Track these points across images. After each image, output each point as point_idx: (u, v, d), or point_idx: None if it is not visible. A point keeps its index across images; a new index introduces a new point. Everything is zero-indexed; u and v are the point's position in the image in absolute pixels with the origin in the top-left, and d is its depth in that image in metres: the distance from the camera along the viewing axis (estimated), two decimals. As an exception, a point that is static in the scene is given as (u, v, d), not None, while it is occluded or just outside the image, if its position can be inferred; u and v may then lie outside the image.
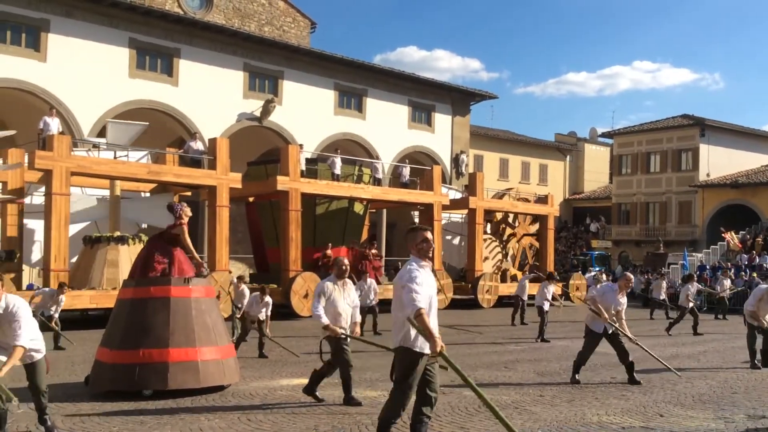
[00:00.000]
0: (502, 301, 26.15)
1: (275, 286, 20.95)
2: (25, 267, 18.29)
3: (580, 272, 31.37)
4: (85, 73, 24.37)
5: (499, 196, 30.21)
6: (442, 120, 36.10)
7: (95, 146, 19.51)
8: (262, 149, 29.42)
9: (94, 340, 8.89)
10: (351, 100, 32.69)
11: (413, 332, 5.03)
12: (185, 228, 8.89)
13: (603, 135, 47.62)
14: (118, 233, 18.24)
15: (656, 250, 37.29)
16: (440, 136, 35.94)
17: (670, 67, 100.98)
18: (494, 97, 38.53)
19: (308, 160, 24.06)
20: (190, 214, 9.02)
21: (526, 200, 30.03)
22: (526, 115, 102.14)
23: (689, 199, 40.09)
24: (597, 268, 33.99)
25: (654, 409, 7.58)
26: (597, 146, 51.83)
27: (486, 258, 27.24)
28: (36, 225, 18.10)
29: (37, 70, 23.60)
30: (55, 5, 24.00)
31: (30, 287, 17.29)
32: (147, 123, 21.24)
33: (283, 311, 20.53)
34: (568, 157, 49.28)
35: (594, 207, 46.68)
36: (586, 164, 50.37)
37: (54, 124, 19.29)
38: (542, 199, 30.09)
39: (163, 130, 26.74)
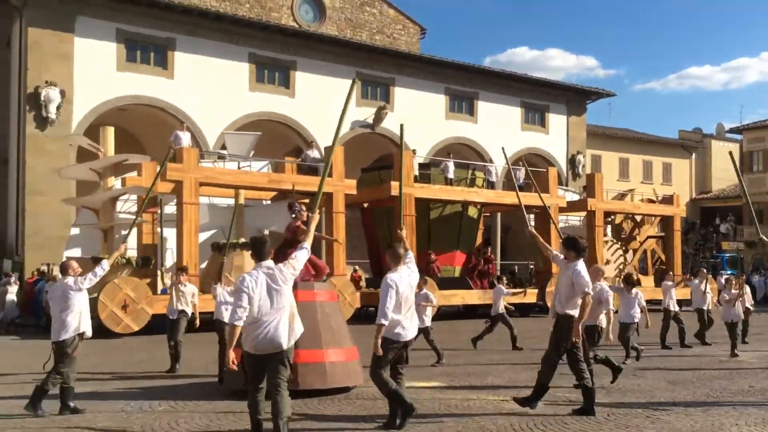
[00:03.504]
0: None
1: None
2: (159, 273, 19.42)
3: (710, 276, 29.67)
4: (208, 88, 25.67)
5: (620, 197, 29.18)
6: (557, 120, 35.29)
7: (221, 157, 20.46)
8: (374, 155, 29.87)
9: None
10: (462, 104, 32.60)
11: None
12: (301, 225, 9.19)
13: (731, 131, 44.98)
14: (243, 239, 19.04)
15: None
16: (555, 136, 35.14)
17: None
18: (612, 95, 37.49)
19: (421, 165, 24.20)
20: (304, 217, 9.35)
21: (651, 201, 28.84)
22: (646, 112, 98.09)
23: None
24: (729, 271, 32.00)
25: (802, 421, 7.04)
26: (725, 142, 48.91)
27: (608, 261, 26.34)
28: (168, 233, 19.19)
29: (166, 87, 25.10)
30: (180, 24, 25.46)
31: (164, 292, 18.34)
32: (260, 132, 22.14)
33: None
34: (693, 154, 46.86)
35: (724, 206, 44.04)
36: (714, 162, 47.64)
37: (186, 138, 20.40)
38: (667, 200, 28.78)
39: (282, 139, 27.70)
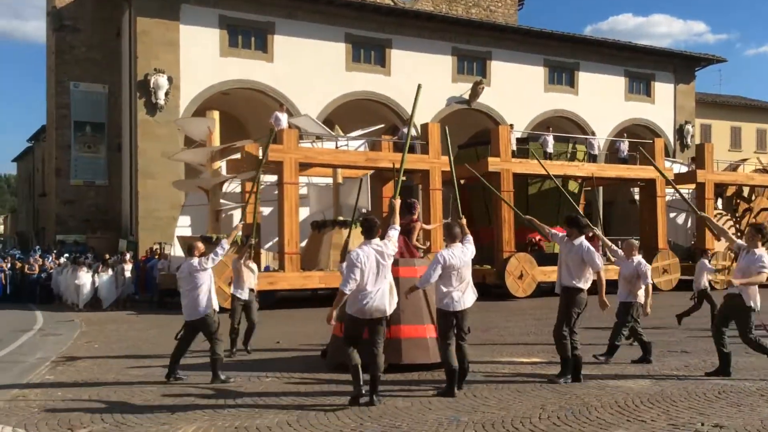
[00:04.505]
0: (737, 283, 23.99)
1: (489, 266, 21.03)
2: (261, 251, 20.07)
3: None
4: (306, 70, 26.15)
5: (732, 168, 27.66)
6: (663, 89, 33.76)
7: (318, 138, 20.83)
8: (471, 131, 29.60)
9: (322, 318, 9.56)
10: (562, 76, 31.71)
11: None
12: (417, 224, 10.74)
13: None
14: (341, 218, 19.39)
15: None
16: (661, 106, 33.65)
17: None
18: (722, 61, 35.40)
19: (519, 140, 23.78)
20: (417, 211, 10.86)
21: (762, 171, 27.20)
22: (760, 78, 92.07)
23: None
24: None
25: None
26: None
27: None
28: (269, 212, 19.78)
29: (266, 70, 25.75)
30: (278, 8, 26.00)
31: (267, 269, 18.98)
32: (306, 113, 22.85)
33: (498, 291, 20.56)
34: (814, 121, 43.74)
35: None
36: (838, 129, 44.32)
37: (284, 119, 20.89)
38: (783, 170, 27.05)
39: (378, 118, 27.88)
